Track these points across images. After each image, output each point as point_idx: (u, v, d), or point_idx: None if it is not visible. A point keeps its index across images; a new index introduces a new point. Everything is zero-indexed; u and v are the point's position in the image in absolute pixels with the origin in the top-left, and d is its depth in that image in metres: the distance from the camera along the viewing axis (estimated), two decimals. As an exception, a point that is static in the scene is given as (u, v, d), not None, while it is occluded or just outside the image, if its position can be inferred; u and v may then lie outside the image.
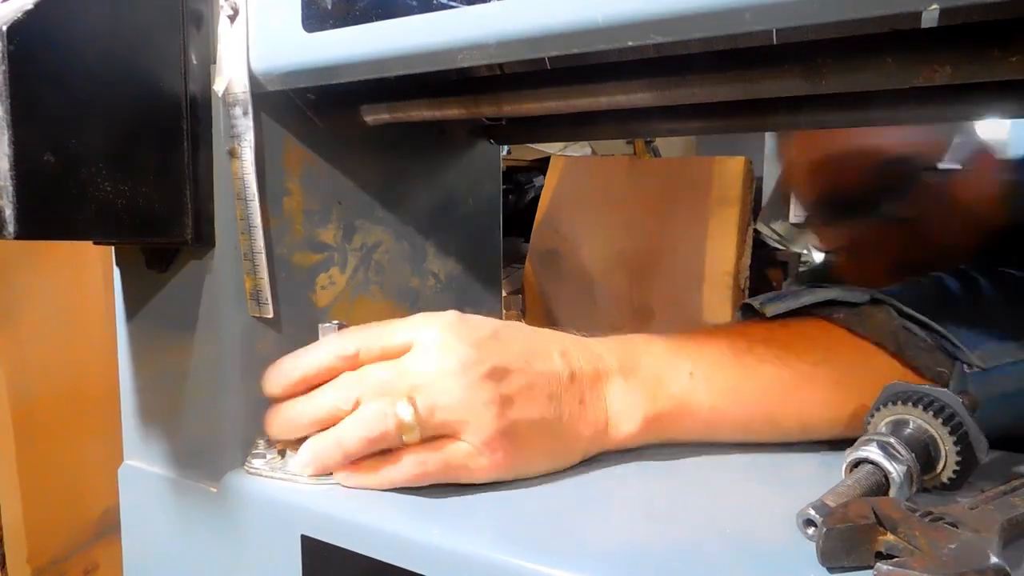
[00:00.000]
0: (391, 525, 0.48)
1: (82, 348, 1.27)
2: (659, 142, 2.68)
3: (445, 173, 0.73)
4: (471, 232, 0.76)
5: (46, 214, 0.45)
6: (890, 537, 0.41)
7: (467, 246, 0.76)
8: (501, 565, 0.43)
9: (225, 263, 0.55)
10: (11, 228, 0.44)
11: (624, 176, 2.22)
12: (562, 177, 2.28)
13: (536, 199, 2.29)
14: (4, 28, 0.42)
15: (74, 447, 1.27)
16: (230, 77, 0.53)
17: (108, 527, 1.31)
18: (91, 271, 1.28)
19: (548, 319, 2.22)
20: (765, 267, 2.21)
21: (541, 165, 2.36)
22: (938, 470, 0.48)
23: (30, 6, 0.43)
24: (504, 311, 0.78)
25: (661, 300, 2.09)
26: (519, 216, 2.38)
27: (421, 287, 0.71)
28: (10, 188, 0.43)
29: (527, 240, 2.28)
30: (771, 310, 0.59)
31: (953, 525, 0.41)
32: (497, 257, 0.80)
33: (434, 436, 0.50)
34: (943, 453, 0.47)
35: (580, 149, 2.49)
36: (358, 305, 0.65)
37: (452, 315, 0.53)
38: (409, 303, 0.70)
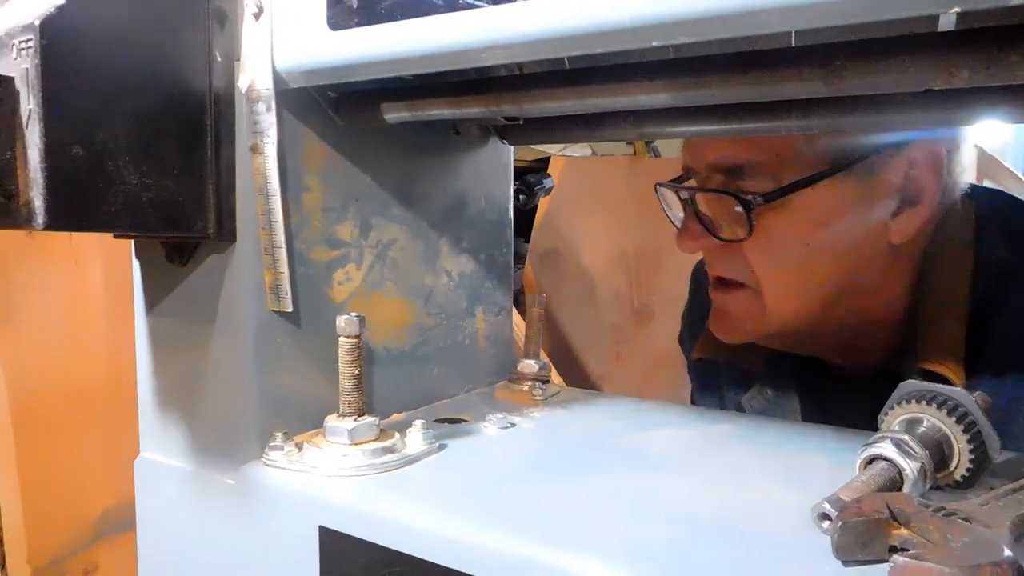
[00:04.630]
0: (408, 516, 0.49)
1: (82, 346, 1.27)
2: (659, 142, 2.69)
3: (458, 173, 0.74)
4: (483, 231, 0.77)
5: (74, 206, 0.46)
6: (904, 531, 0.42)
7: (479, 244, 0.76)
8: (518, 556, 0.44)
9: (245, 257, 0.56)
10: (40, 219, 0.44)
11: (624, 176, 2.23)
12: (562, 177, 2.29)
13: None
14: (37, 23, 0.43)
15: (74, 447, 1.27)
16: (254, 74, 0.53)
17: (108, 527, 1.31)
18: (91, 269, 1.28)
19: (548, 319, 2.23)
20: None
21: (542, 165, 2.37)
22: (951, 468, 0.48)
23: (61, 1, 0.44)
24: (528, 308, 0.78)
25: (661, 300, 2.10)
26: (521, 216, 2.39)
27: (435, 285, 0.72)
28: (40, 180, 0.44)
29: (527, 240, 2.29)
30: None
31: (965, 520, 0.41)
32: (508, 256, 0.81)
33: None
34: (956, 451, 0.48)
35: (580, 149, 2.49)
36: (373, 301, 0.65)
37: None
38: (423, 300, 0.70)
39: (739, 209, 0.74)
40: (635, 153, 2.52)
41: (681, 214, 0.83)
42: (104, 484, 1.29)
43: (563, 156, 2.37)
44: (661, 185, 0.85)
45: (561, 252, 2.25)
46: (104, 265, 1.29)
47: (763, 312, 0.80)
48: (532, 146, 2.30)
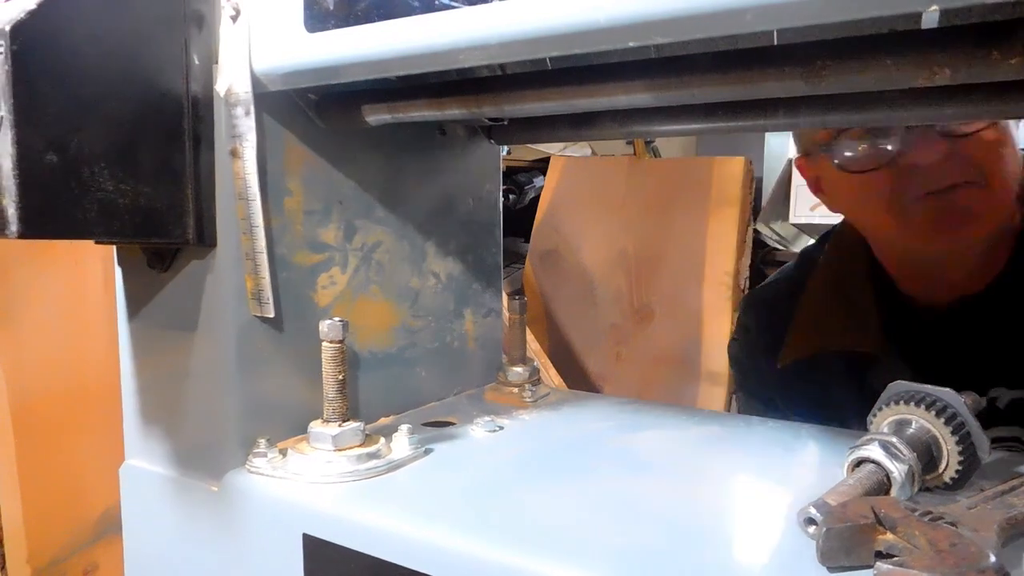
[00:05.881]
0: (392, 524, 0.48)
1: (82, 348, 1.27)
2: (659, 142, 2.68)
3: (445, 173, 0.73)
4: (471, 232, 0.76)
5: (48, 213, 0.46)
6: (889, 536, 0.41)
7: (467, 246, 0.76)
8: (502, 563, 0.44)
9: (226, 263, 0.55)
10: (14, 227, 0.44)
11: (624, 176, 2.22)
12: (562, 177, 2.29)
13: (536, 199, 2.30)
14: (7, 28, 0.42)
15: (74, 447, 1.27)
16: (232, 77, 0.53)
17: (108, 527, 1.31)
18: (91, 271, 1.28)
19: (548, 319, 2.22)
20: (766, 267, 2.21)
21: (541, 165, 2.37)
22: (940, 470, 0.48)
23: (33, 6, 0.44)
24: (507, 313, 0.78)
25: (661, 300, 2.09)
26: (519, 216, 2.39)
27: (421, 287, 0.71)
28: (13, 187, 0.43)
29: (527, 240, 2.29)
30: None
31: (952, 524, 0.41)
32: (498, 257, 0.80)
33: None
34: (945, 453, 0.47)
35: (580, 149, 2.49)
36: (358, 305, 0.65)
37: None
38: (409, 303, 0.70)
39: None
40: (635, 153, 2.51)
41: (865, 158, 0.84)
42: (104, 484, 1.29)
43: (563, 156, 2.37)
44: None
45: (561, 252, 2.24)
46: (104, 267, 1.29)
47: (992, 206, 0.84)
48: (530, 146, 2.30)
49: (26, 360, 1.21)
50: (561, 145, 2.37)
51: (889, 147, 0.83)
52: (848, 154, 0.85)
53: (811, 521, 0.43)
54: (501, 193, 0.80)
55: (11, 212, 0.44)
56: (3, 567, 1.21)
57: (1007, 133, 0.83)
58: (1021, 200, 0.88)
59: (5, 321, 1.18)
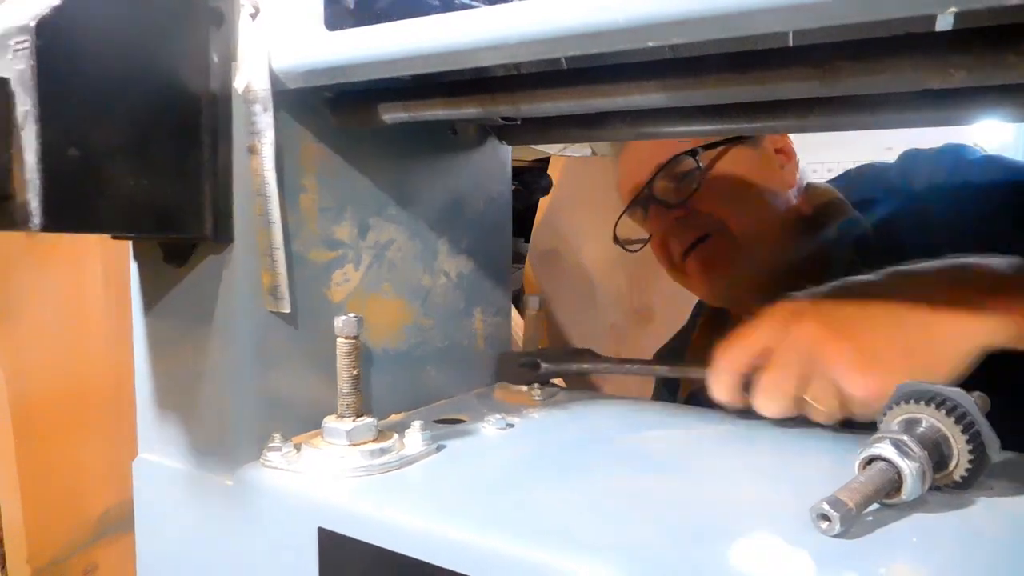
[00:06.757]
0: (408, 518, 0.48)
1: (82, 348, 1.27)
2: (659, 144, 2.67)
3: (456, 173, 0.74)
4: (481, 231, 0.77)
5: (70, 207, 0.46)
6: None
7: (477, 245, 0.76)
8: (515, 557, 0.44)
9: (243, 258, 0.56)
10: (36, 220, 0.44)
11: (624, 177, 2.22)
12: (562, 177, 2.29)
13: (537, 199, 2.30)
14: (33, 23, 0.43)
15: (74, 447, 1.27)
16: (250, 75, 0.53)
17: (108, 527, 1.31)
18: (91, 271, 1.28)
19: (548, 319, 2.22)
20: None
21: (541, 165, 2.37)
22: (950, 468, 0.48)
23: (57, 2, 0.44)
24: (527, 310, 0.79)
25: (661, 300, 2.09)
26: (520, 216, 2.38)
27: (432, 285, 0.71)
28: (36, 181, 0.43)
29: (527, 240, 2.29)
30: None
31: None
32: (507, 256, 0.81)
33: None
34: (955, 452, 0.48)
35: (580, 149, 2.49)
36: (371, 302, 0.65)
37: None
38: (420, 301, 0.70)
39: (692, 160, 0.96)
40: (635, 153, 2.51)
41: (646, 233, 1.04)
42: (104, 484, 1.29)
43: (563, 156, 2.36)
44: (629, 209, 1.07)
45: (561, 252, 2.24)
46: (104, 265, 1.29)
47: (738, 247, 0.97)
48: (531, 146, 2.30)
49: (26, 360, 1.21)
50: (561, 145, 2.37)
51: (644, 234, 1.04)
52: (620, 239, 1.09)
53: (824, 517, 0.44)
54: (511, 193, 0.80)
55: (34, 205, 0.44)
56: (3, 567, 1.21)
57: (743, 179, 0.97)
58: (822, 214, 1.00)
59: (5, 321, 1.18)
